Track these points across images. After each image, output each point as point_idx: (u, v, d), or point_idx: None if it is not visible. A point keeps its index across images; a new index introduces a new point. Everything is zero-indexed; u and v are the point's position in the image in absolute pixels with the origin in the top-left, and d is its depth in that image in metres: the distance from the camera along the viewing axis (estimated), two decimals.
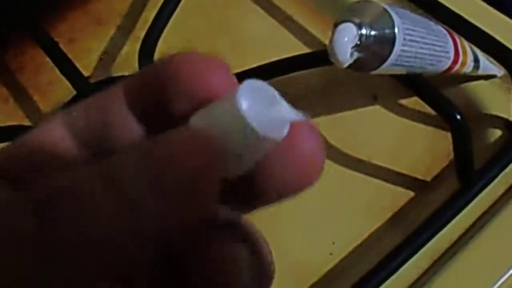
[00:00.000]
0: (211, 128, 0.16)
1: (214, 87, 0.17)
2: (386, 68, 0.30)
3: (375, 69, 0.29)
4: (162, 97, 0.17)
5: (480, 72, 0.39)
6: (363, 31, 0.28)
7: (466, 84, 0.40)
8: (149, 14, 0.46)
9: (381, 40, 0.29)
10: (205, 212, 0.15)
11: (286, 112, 0.16)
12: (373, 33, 0.29)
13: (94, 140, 0.18)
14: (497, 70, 0.39)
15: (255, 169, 0.16)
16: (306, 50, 0.45)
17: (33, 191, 0.15)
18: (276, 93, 0.16)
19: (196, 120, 0.16)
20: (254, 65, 0.40)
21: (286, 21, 0.46)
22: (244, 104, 0.15)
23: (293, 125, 0.16)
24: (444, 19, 0.38)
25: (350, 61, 0.28)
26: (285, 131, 0.16)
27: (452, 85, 0.40)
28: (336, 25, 0.28)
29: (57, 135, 0.18)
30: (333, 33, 0.28)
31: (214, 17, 0.48)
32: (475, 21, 0.39)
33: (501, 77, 0.40)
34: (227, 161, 0.16)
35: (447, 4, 0.38)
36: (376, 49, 0.29)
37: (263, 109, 0.16)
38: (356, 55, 0.29)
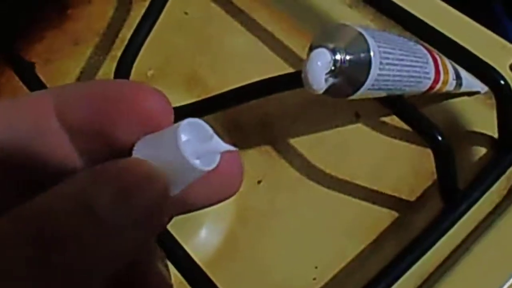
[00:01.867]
0: (153, 158, 0.18)
1: (154, 114, 0.18)
2: (363, 93, 0.29)
3: (351, 94, 0.29)
4: (100, 119, 0.18)
5: (463, 89, 0.38)
6: (338, 56, 0.27)
7: (449, 101, 0.40)
8: (127, 33, 0.45)
9: (356, 64, 0.28)
10: (154, 236, 0.18)
11: (218, 146, 0.18)
12: (348, 57, 0.28)
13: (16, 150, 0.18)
14: (481, 86, 0.38)
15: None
16: (286, 66, 0.44)
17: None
18: (210, 130, 0.18)
19: (140, 151, 0.18)
20: (234, 86, 0.39)
21: (267, 37, 0.46)
22: (183, 139, 0.18)
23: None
24: (424, 36, 0.37)
25: (325, 87, 0.28)
26: (216, 162, 0.18)
27: (434, 102, 0.40)
28: (309, 51, 0.28)
29: None
30: (306, 60, 0.27)
31: (193, 34, 0.47)
32: (456, 36, 0.38)
33: (485, 93, 0.39)
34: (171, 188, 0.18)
35: (427, 21, 0.37)
36: (351, 74, 0.28)
37: (199, 143, 0.18)
38: (331, 81, 0.28)
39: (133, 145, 0.19)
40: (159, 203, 0.17)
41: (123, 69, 0.42)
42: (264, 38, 0.45)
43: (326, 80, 0.27)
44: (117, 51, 0.45)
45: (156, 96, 0.19)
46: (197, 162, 0.18)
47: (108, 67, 0.46)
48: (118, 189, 0.16)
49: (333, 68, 0.27)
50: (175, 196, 0.19)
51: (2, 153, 0.18)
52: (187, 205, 0.20)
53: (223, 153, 0.19)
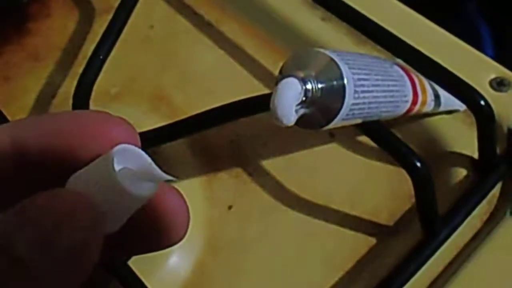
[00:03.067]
0: (88, 189, 0.17)
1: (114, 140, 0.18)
2: (337, 123, 0.27)
3: (324, 125, 0.27)
4: (61, 155, 0.18)
5: (442, 108, 0.36)
6: (309, 86, 0.25)
7: (427, 119, 0.38)
8: (90, 48, 0.43)
9: (329, 93, 0.26)
10: (88, 272, 0.17)
11: (154, 173, 0.18)
12: (320, 86, 0.26)
13: None
14: (460, 104, 0.37)
15: (129, 224, 0.18)
16: (256, 81, 0.42)
17: None
18: (146, 156, 0.18)
19: (74, 181, 0.18)
20: (202, 104, 0.37)
21: (236, 52, 0.43)
22: (117, 166, 0.17)
23: (161, 188, 0.19)
24: (400, 53, 0.35)
25: (295, 119, 0.25)
26: (153, 190, 0.18)
27: (411, 121, 0.38)
28: (277, 81, 0.25)
29: None
30: (275, 91, 0.25)
31: (158, 50, 0.45)
32: (433, 52, 0.36)
33: (464, 111, 0.38)
34: (104, 220, 0.17)
35: (402, 36, 0.35)
36: (324, 104, 0.26)
37: (134, 170, 0.18)
38: (301, 112, 0.26)
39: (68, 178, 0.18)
40: (84, 241, 0.16)
41: (84, 87, 0.40)
42: (233, 53, 0.43)
43: (296, 111, 0.25)
44: (79, 68, 0.43)
45: (120, 126, 0.19)
46: (132, 188, 0.17)
47: (70, 84, 0.44)
48: (37, 232, 0.16)
49: (304, 98, 0.25)
50: (115, 238, 0.18)
51: None
52: (133, 250, 0.20)
53: (165, 191, 0.19)
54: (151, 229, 0.20)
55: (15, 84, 0.45)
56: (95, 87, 0.41)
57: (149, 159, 0.18)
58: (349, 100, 0.26)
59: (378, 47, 0.36)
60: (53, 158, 0.19)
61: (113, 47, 0.41)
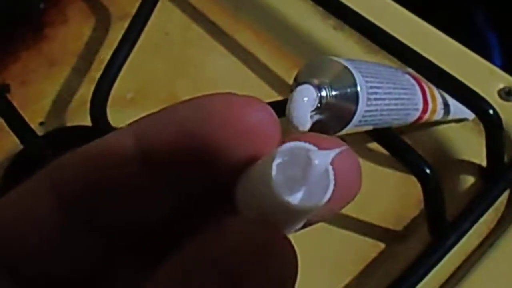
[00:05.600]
0: (264, 215, 0.15)
1: (258, 131, 0.15)
2: (350, 129, 0.28)
3: (338, 131, 0.27)
4: (194, 149, 0.15)
5: (451, 117, 0.37)
6: (324, 93, 0.26)
7: (436, 128, 0.39)
8: (105, 54, 0.44)
9: (343, 100, 0.27)
10: None
11: (323, 173, 0.14)
12: (334, 93, 0.27)
13: None
14: (469, 113, 0.38)
15: None
16: (268, 88, 0.43)
17: None
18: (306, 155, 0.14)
19: (242, 197, 0.15)
20: None
21: (249, 60, 0.44)
22: (277, 175, 0.14)
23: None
24: (411, 62, 0.36)
25: (310, 125, 0.26)
26: (327, 195, 0.14)
27: (421, 129, 0.39)
28: (293, 87, 0.26)
29: None
30: (290, 98, 0.26)
31: (173, 56, 0.46)
32: (443, 62, 0.37)
33: (472, 120, 0.38)
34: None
35: (413, 45, 0.36)
36: (338, 110, 0.27)
37: (299, 176, 0.14)
38: (316, 118, 0.27)
39: (234, 185, 0.15)
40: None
41: (102, 92, 0.41)
42: (246, 61, 0.44)
43: (311, 117, 0.26)
44: (95, 73, 0.44)
45: (258, 108, 0.15)
46: (296, 200, 0.14)
47: (86, 89, 0.44)
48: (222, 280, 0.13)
49: (318, 105, 0.26)
50: None
51: None
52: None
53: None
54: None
55: (32, 88, 0.46)
56: (112, 92, 0.42)
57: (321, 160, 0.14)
58: (362, 107, 0.27)
59: (389, 56, 0.37)
60: (183, 156, 0.15)
61: (130, 54, 0.42)
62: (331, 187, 0.14)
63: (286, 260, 0.14)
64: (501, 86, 0.39)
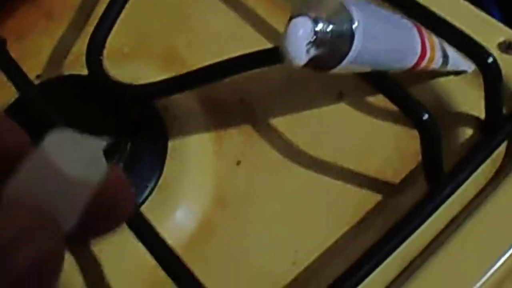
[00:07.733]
0: (30, 190, 0.16)
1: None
2: (346, 66, 0.27)
3: (333, 67, 0.27)
4: None
5: (449, 67, 0.37)
6: (319, 26, 0.26)
7: (435, 80, 0.38)
8: (103, 7, 0.44)
9: (339, 36, 0.26)
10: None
11: (95, 151, 0.16)
12: (330, 28, 0.26)
13: None
14: (468, 65, 0.37)
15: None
16: (268, 44, 0.43)
17: None
18: (79, 136, 0.16)
19: (12, 187, 0.16)
20: (209, 62, 0.38)
21: (248, 14, 0.44)
22: (53, 155, 0.15)
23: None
24: (410, 11, 0.35)
25: (306, 59, 0.26)
26: (102, 171, 0.16)
27: (420, 81, 0.38)
28: (289, 19, 0.26)
29: None
30: (286, 29, 0.25)
31: (171, 11, 0.45)
32: (444, 14, 0.36)
33: (471, 73, 0.38)
34: (56, 221, 0.16)
35: None
36: (334, 46, 0.27)
37: (74, 155, 0.16)
38: (312, 52, 0.26)
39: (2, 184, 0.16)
40: (47, 257, 0.15)
41: (96, 45, 0.41)
42: (244, 15, 0.44)
43: (307, 51, 0.26)
44: (92, 28, 0.44)
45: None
46: (77, 174, 0.16)
47: (83, 43, 0.44)
48: None
49: (314, 38, 0.26)
50: (69, 229, 0.17)
51: None
52: (86, 236, 0.19)
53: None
54: (104, 210, 0.18)
55: (29, 42, 0.45)
56: (108, 46, 0.42)
57: (82, 137, 0.16)
58: (358, 43, 0.27)
59: (387, 4, 0.36)
60: None
61: (125, 5, 0.42)
62: (104, 166, 0.16)
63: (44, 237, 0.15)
64: (502, 39, 0.39)
